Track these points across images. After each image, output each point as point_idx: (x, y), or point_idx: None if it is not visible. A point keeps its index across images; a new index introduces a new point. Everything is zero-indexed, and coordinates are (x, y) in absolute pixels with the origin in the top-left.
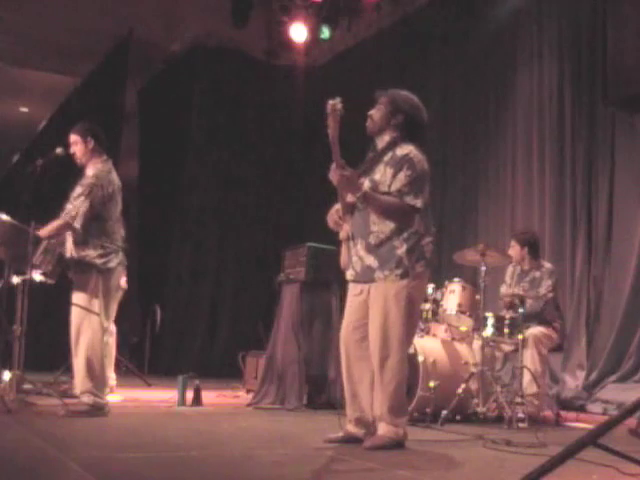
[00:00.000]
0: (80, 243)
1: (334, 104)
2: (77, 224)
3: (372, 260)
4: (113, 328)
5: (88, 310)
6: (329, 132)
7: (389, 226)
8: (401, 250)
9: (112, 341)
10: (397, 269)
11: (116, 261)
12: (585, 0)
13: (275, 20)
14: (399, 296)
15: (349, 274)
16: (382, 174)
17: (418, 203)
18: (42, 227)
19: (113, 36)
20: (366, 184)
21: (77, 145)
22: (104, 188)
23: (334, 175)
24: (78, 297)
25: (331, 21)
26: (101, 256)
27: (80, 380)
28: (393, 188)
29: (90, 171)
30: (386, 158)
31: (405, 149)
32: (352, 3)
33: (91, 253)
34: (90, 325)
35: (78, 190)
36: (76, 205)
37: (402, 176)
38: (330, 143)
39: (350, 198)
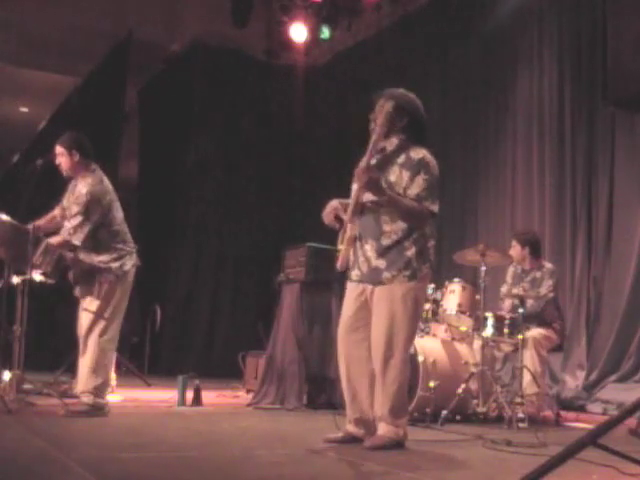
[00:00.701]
0: (92, 250)
1: (384, 103)
2: (76, 240)
3: (380, 262)
4: None
5: (97, 315)
6: (376, 129)
7: (401, 226)
8: (410, 252)
9: None
10: (406, 270)
11: (130, 263)
12: (585, 0)
13: (275, 20)
14: (406, 297)
15: (354, 274)
16: (397, 176)
17: (436, 208)
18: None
19: (113, 36)
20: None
21: (62, 157)
22: (101, 201)
23: (364, 175)
24: (91, 303)
25: (331, 21)
26: (116, 260)
27: (83, 380)
28: (411, 192)
29: (83, 188)
30: (399, 160)
31: (420, 152)
32: (352, 3)
33: (105, 258)
34: (100, 328)
35: (74, 209)
36: (73, 224)
37: (420, 180)
38: (372, 142)
39: (365, 197)
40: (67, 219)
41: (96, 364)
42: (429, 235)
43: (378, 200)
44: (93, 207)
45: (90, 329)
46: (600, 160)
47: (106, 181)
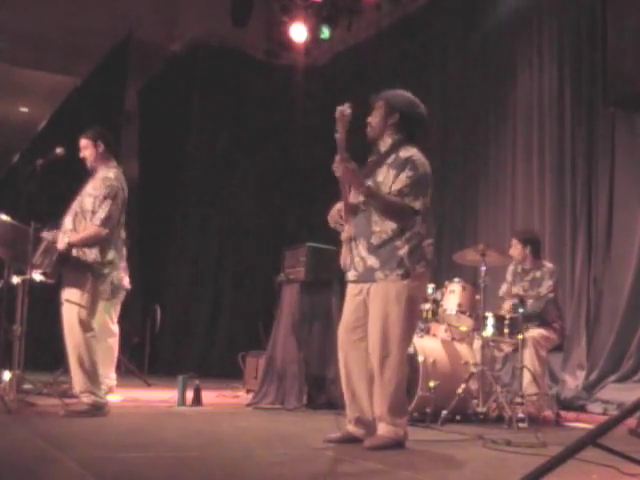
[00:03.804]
0: (92, 245)
1: (343, 110)
2: (107, 228)
3: (374, 260)
4: (116, 329)
5: (79, 305)
6: (337, 136)
7: (391, 226)
8: (403, 251)
9: (114, 341)
10: (398, 269)
11: (111, 267)
12: (585, 0)
13: (275, 20)
14: (400, 296)
15: (351, 275)
16: (385, 175)
17: (417, 205)
18: (43, 228)
19: (113, 36)
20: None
21: (87, 150)
22: (124, 191)
23: (338, 167)
24: (71, 293)
25: (331, 21)
26: (99, 263)
27: (78, 379)
28: (394, 188)
29: (110, 173)
30: (389, 160)
31: (409, 151)
32: (352, 3)
33: (93, 257)
34: (80, 323)
35: (103, 192)
36: (104, 209)
37: (404, 177)
38: (337, 145)
39: (353, 199)
40: (93, 205)
41: (86, 361)
42: (424, 234)
43: (359, 192)
44: (121, 193)
45: (70, 327)
46: (600, 160)
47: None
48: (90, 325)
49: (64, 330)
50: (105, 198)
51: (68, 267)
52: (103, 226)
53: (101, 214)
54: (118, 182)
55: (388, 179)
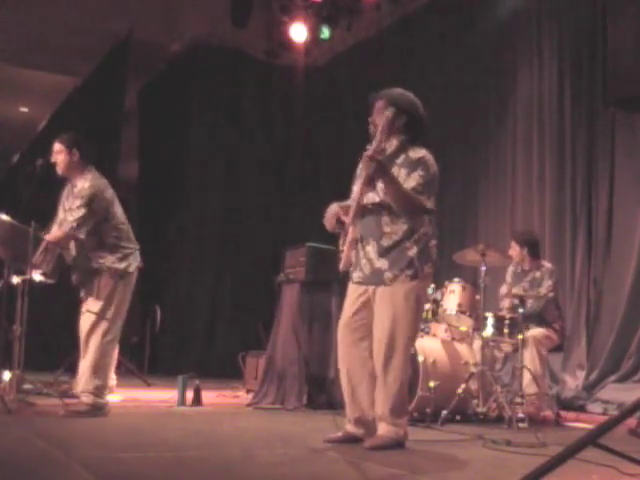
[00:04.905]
0: (97, 249)
1: (388, 115)
2: (81, 234)
3: (383, 262)
4: None
5: (102, 317)
6: (377, 135)
7: (402, 228)
8: (412, 251)
9: None
10: (408, 270)
11: (135, 264)
12: (585, 0)
13: (275, 20)
14: (408, 297)
15: (356, 276)
16: (396, 175)
17: (430, 204)
18: (43, 228)
19: (113, 36)
20: (379, 185)
21: (61, 155)
22: (104, 193)
23: (372, 157)
24: (93, 303)
25: (331, 21)
26: (121, 260)
27: (84, 380)
28: (406, 186)
29: (85, 182)
30: (399, 160)
31: (419, 152)
32: (352, 3)
33: (110, 258)
34: (103, 329)
35: (77, 202)
36: (76, 216)
37: (417, 176)
38: (376, 137)
39: (366, 199)
40: (68, 212)
41: (97, 365)
42: (430, 235)
43: (382, 178)
44: (97, 200)
45: (92, 330)
46: (600, 160)
47: (104, 179)
48: (109, 331)
49: (82, 333)
50: (78, 207)
51: (90, 277)
52: (72, 230)
53: (73, 222)
54: (93, 188)
55: (399, 178)
